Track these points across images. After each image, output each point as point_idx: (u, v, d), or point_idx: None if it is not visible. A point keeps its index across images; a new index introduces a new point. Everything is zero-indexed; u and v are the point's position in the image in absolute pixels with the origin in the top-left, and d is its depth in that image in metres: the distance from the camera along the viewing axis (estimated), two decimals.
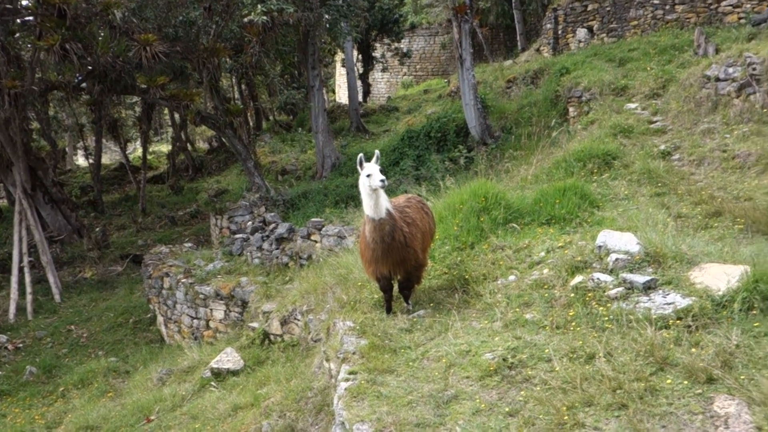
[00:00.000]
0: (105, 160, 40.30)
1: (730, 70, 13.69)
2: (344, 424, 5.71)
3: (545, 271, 7.81)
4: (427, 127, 21.56)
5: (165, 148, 44.28)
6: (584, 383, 5.25)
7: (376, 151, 7.47)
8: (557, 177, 12.33)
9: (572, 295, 6.89)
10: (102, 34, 18.45)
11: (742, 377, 4.91)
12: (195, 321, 15.69)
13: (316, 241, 15.20)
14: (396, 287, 8.07)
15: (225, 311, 15.05)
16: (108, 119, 32.30)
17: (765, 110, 12.44)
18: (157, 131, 45.21)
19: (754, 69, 13.04)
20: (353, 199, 18.06)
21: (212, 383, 10.80)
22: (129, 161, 37.25)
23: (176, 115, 33.64)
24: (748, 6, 19.28)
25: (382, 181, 6.95)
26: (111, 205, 32.14)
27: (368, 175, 7.03)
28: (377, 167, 7.11)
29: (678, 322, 5.82)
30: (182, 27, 18.74)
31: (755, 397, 4.63)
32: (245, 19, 18.54)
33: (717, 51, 16.15)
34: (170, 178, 34.56)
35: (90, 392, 13.17)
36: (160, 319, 17.29)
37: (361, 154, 7.27)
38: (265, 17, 17.58)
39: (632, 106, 15.94)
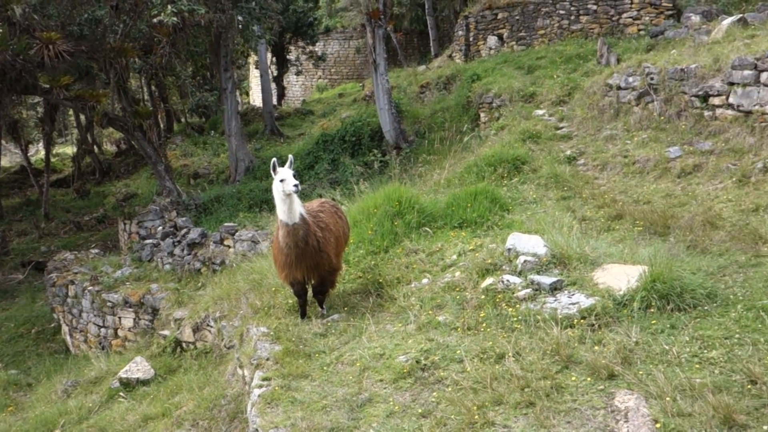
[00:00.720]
0: (4, 162, 38.41)
1: (630, 79, 14.34)
2: (258, 431, 5.66)
3: (457, 273, 7.98)
4: (342, 131, 21.59)
5: (70, 150, 42.51)
6: (494, 383, 5.39)
7: (290, 156, 7.47)
8: (469, 181, 12.59)
9: (483, 296, 7.07)
10: (1, 30, 17.57)
11: (640, 373, 5.17)
12: (102, 330, 15.20)
13: (229, 246, 14.98)
14: (310, 292, 8.07)
15: (134, 319, 14.65)
16: (8, 120, 30.70)
17: (662, 118, 13.10)
18: (62, 133, 43.34)
19: (651, 79, 13.71)
20: (267, 203, 17.88)
21: (121, 394, 10.47)
22: (31, 164, 35.55)
23: (82, 117, 32.42)
24: (647, 19, 20.29)
25: (296, 185, 6.96)
26: (11, 209, 30.71)
27: (282, 180, 7.02)
28: (291, 172, 7.10)
29: (582, 321, 6.08)
30: (87, 25, 18.05)
31: (652, 391, 4.88)
32: (155, 20, 18.07)
33: (618, 61, 16.89)
34: (75, 182, 33.23)
35: None
36: (65, 328, 16.66)
37: (274, 159, 7.25)
38: (175, 18, 17.18)
39: (540, 112, 16.47)
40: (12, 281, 21.43)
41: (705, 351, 5.33)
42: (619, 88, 14.57)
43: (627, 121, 13.86)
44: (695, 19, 17.22)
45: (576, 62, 19.09)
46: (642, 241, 8.52)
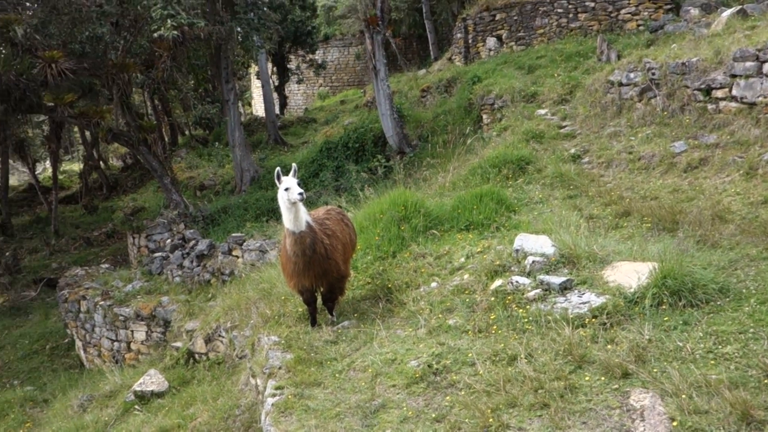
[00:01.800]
0: (13, 181, 38.67)
1: (632, 75, 14.31)
2: None
3: (466, 276, 7.96)
4: (345, 137, 21.65)
5: (77, 166, 42.84)
6: (507, 385, 5.37)
7: (293, 165, 7.47)
8: (474, 183, 12.58)
9: (493, 298, 7.05)
10: (3, 51, 17.70)
11: (655, 370, 5.13)
12: (115, 344, 15.26)
13: (237, 257, 15.02)
14: (320, 299, 8.07)
15: (146, 332, 14.70)
16: (14, 139, 30.99)
17: (665, 113, 13.06)
18: (68, 150, 43.64)
19: (653, 74, 13.67)
20: (274, 212, 17.93)
21: (136, 407, 10.49)
22: (38, 182, 35.83)
23: (87, 133, 32.61)
24: (646, 14, 20.27)
25: (301, 194, 6.96)
26: (21, 227, 30.84)
27: (286, 189, 7.03)
28: (295, 181, 7.12)
29: (593, 320, 6.05)
30: (89, 43, 18.19)
31: (668, 388, 4.84)
32: (155, 34, 18.16)
33: (619, 57, 16.85)
34: (83, 198, 33.42)
35: (6, 424, 12.58)
36: (78, 343, 16.73)
37: (278, 168, 7.26)
38: (175, 32, 17.26)
39: (542, 112, 16.44)
40: (25, 298, 21.54)
41: (719, 346, 5.29)
42: (620, 84, 14.54)
43: (630, 118, 13.81)
44: (694, 12, 17.19)
45: (576, 60, 19.06)
46: (651, 237, 8.46)
